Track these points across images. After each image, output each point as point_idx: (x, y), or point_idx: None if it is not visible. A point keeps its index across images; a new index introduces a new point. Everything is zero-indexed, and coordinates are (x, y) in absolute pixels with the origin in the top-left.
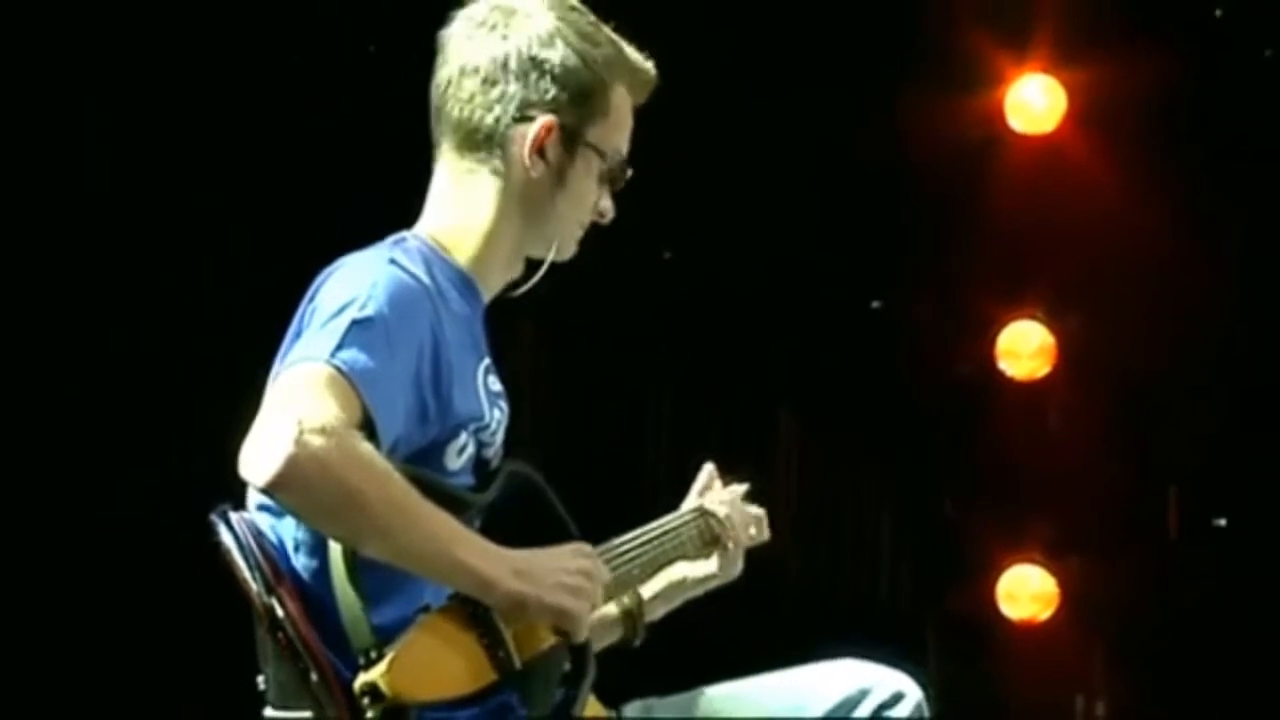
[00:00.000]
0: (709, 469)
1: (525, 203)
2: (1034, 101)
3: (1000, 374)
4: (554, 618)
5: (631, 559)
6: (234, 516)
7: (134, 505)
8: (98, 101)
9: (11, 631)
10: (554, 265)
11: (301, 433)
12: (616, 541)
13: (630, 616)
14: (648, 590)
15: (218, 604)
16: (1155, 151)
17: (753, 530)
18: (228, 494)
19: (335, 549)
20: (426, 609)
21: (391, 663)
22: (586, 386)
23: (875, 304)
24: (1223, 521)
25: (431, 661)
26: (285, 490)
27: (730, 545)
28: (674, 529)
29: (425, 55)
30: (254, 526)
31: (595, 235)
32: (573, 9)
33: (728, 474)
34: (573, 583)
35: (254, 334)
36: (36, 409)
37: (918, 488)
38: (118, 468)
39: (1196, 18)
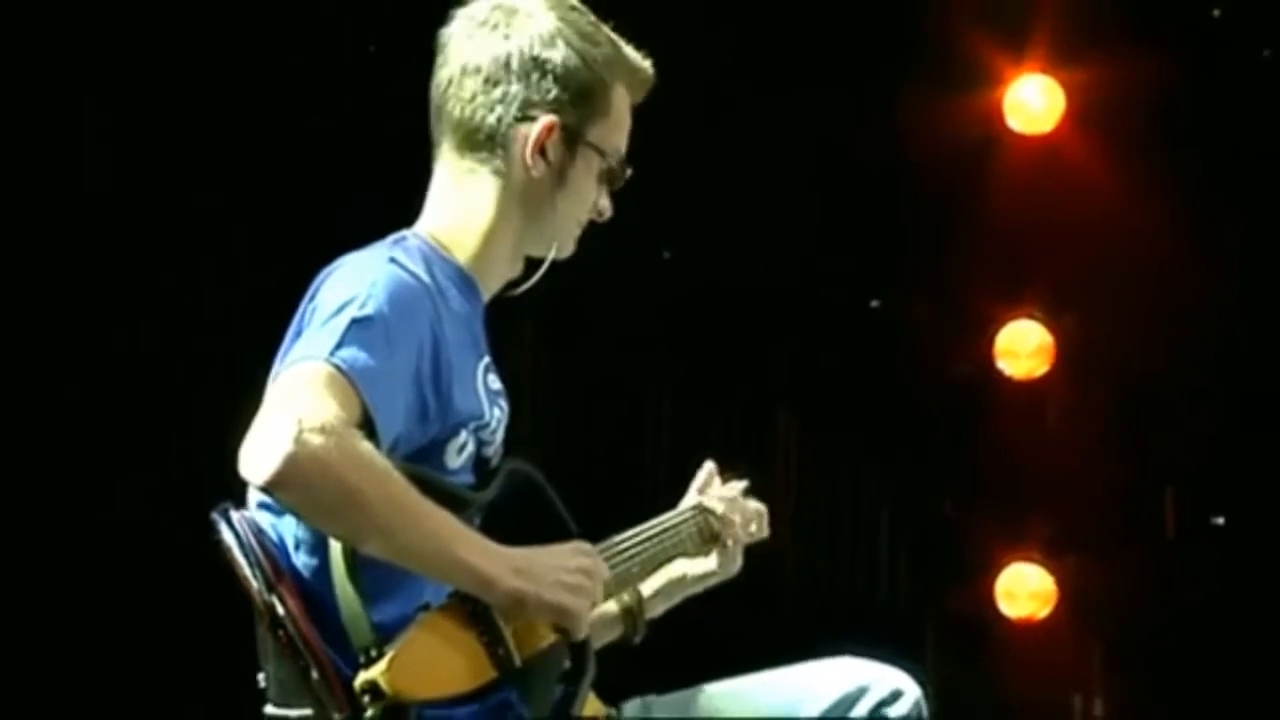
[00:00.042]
0: (709, 466)
1: (526, 202)
2: (1032, 102)
3: (999, 373)
4: (553, 615)
5: (631, 556)
6: (235, 515)
7: (134, 505)
8: (98, 101)
9: (12, 631)
10: (554, 265)
11: (301, 431)
12: (616, 539)
13: (630, 614)
14: (647, 587)
15: (218, 602)
16: (1153, 151)
17: (753, 527)
18: (228, 493)
19: (336, 547)
20: (426, 607)
21: (391, 661)
22: (586, 386)
23: (874, 303)
24: (1220, 520)
25: (431, 659)
26: (285, 489)
27: (729, 542)
28: (673, 526)
29: (425, 55)
30: (254, 524)
31: (595, 235)
32: (573, 9)
33: (727, 473)
34: (572, 581)
35: (254, 334)
36: (36, 409)
37: (916, 486)
38: (118, 468)
39: (1194, 18)
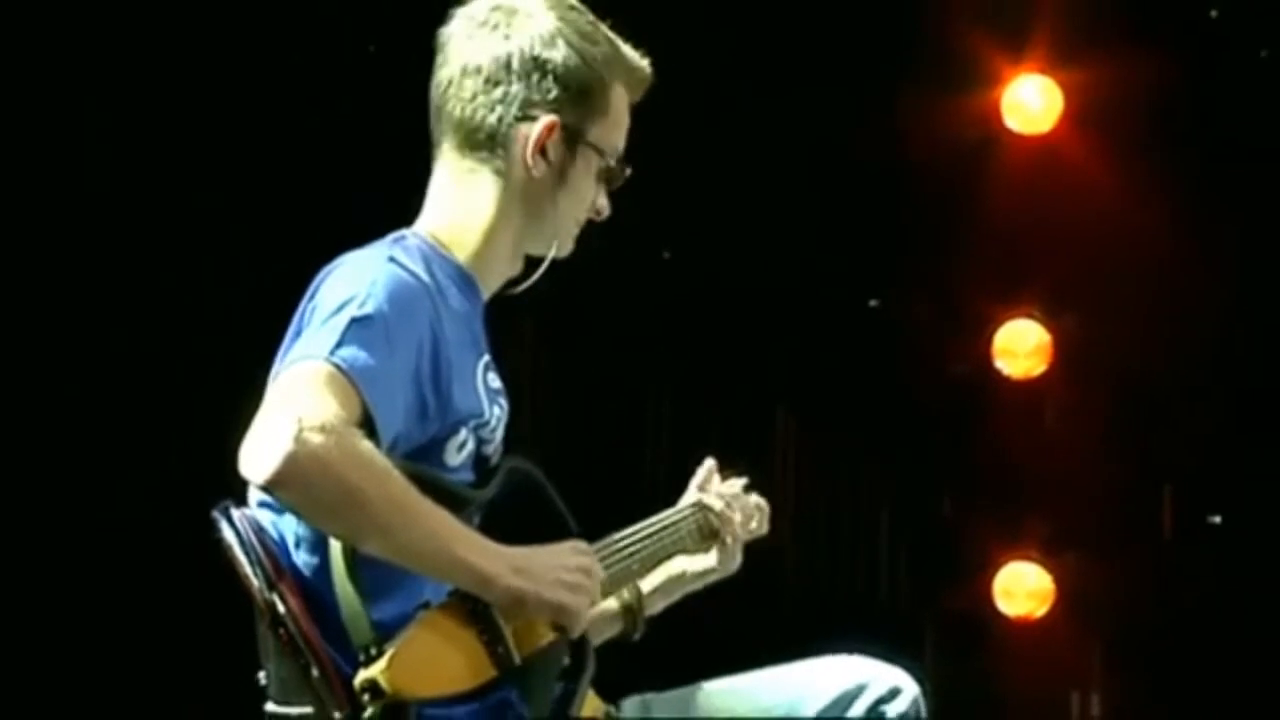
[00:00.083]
0: (708, 463)
1: (526, 201)
2: (1031, 102)
3: (997, 373)
4: (553, 614)
5: (630, 554)
6: (235, 513)
7: (134, 504)
8: (98, 101)
9: (12, 631)
10: (553, 264)
11: (301, 430)
12: (615, 536)
13: (630, 611)
14: (647, 585)
15: (219, 600)
16: (1151, 151)
17: (752, 524)
18: (228, 492)
19: (336, 545)
20: (426, 605)
21: (391, 659)
22: (586, 386)
23: (873, 303)
24: (1218, 520)
25: (431, 658)
26: (285, 488)
27: (729, 539)
28: (673, 523)
29: (425, 55)
30: (255, 523)
31: (595, 235)
32: (572, 8)
33: (727, 472)
34: (571, 579)
35: (254, 334)
36: (36, 409)
37: (915, 485)
38: (118, 467)
39: (1192, 18)
